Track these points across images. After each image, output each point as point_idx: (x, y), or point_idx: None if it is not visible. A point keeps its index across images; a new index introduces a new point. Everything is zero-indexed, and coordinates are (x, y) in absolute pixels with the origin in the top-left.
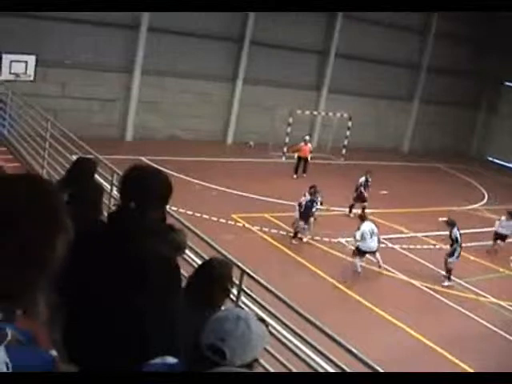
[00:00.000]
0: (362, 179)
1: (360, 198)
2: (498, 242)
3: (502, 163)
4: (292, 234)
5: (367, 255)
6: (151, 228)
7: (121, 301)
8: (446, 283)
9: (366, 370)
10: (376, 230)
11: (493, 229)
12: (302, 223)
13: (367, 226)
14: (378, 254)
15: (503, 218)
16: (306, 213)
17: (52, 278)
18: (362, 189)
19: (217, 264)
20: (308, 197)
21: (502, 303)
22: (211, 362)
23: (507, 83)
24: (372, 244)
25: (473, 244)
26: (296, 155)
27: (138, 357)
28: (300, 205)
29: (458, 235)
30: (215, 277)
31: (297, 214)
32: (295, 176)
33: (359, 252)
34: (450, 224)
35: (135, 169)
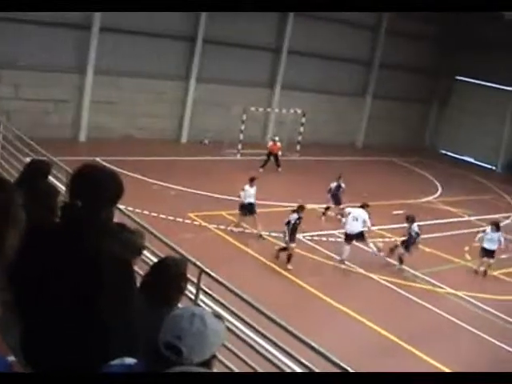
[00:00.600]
0: (334, 184)
1: (336, 203)
2: (485, 259)
3: (455, 155)
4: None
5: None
6: (99, 227)
7: (74, 301)
8: (398, 267)
9: (328, 365)
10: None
11: (449, 220)
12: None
13: (355, 212)
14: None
15: (488, 229)
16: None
17: (3, 276)
18: (338, 194)
19: (172, 262)
20: (295, 215)
21: (459, 293)
22: (169, 361)
23: (459, 77)
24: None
25: (428, 236)
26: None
27: (97, 358)
28: (288, 223)
29: (418, 230)
30: (171, 275)
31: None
32: (261, 170)
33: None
34: (410, 221)
35: (85, 167)
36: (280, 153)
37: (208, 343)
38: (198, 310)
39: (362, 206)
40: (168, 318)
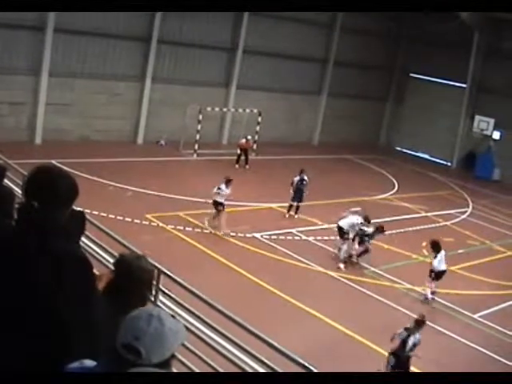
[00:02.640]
0: (297, 178)
1: (298, 198)
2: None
3: (410, 152)
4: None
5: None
6: (55, 228)
7: (34, 303)
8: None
9: (287, 362)
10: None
11: (406, 217)
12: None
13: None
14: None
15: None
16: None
17: None
18: (302, 188)
19: (138, 266)
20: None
21: (416, 289)
22: (128, 362)
23: (413, 75)
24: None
25: (386, 232)
26: (238, 149)
27: (56, 360)
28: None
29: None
30: (137, 280)
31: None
32: (237, 166)
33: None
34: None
35: (40, 169)
36: (250, 151)
37: (166, 343)
38: (156, 310)
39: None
40: (126, 319)
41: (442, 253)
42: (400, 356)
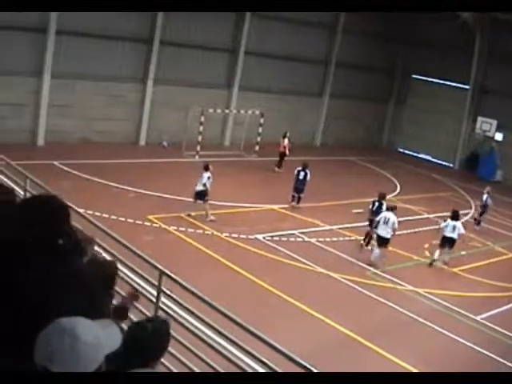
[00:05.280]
0: (299, 168)
1: (300, 189)
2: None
3: (413, 154)
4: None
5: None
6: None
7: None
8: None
9: (288, 363)
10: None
11: (408, 218)
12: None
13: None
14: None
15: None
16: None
17: None
18: (304, 181)
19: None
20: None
21: (418, 290)
22: None
23: (415, 76)
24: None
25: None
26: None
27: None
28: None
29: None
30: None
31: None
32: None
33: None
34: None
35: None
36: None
37: (83, 360)
38: (71, 323)
39: (391, 209)
40: (39, 335)
41: (450, 221)
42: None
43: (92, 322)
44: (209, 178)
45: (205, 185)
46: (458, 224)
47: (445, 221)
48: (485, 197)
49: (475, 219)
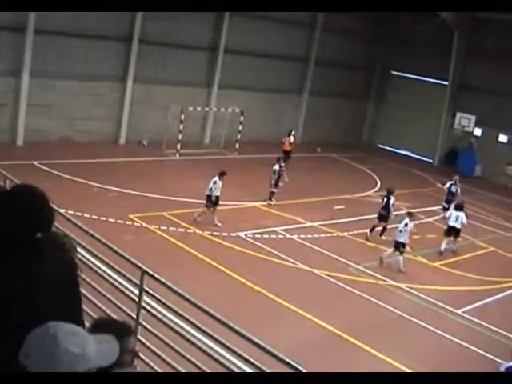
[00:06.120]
0: (276, 167)
1: (276, 185)
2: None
3: (393, 150)
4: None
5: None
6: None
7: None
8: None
9: (274, 362)
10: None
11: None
12: None
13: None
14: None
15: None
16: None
17: None
18: (281, 173)
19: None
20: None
21: (401, 286)
22: None
23: (394, 73)
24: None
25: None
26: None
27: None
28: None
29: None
30: None
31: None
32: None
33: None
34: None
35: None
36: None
37: (59, 366)
38: (55, 328)
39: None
40: (29, 334)
41: (454, 212)
42: None
43: (83, 333)
44: (215, 182)
45: (210, 189)
46: (461, 214)
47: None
48: (448, 184)
49: (443, 206)
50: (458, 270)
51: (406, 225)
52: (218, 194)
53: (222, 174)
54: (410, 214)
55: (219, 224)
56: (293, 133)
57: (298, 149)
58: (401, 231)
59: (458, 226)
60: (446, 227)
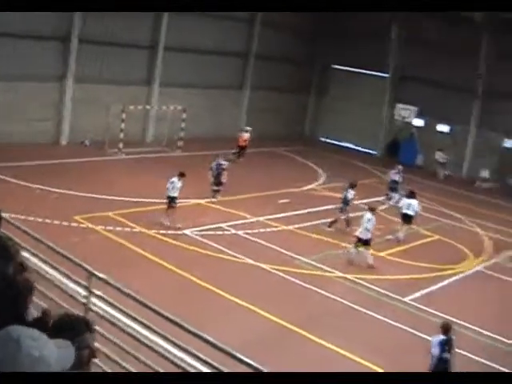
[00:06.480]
0: (213, 164)
1: (218, 183)
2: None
3: (335, 143)
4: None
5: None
6: None
7: None
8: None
9: (226, 358)
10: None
11: (333, 206)
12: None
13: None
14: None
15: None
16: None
17: None
18: (219, 171)
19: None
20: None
21: (348, 277)
22: None
23: (335, 66)
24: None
25: (315, 222)
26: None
27: None
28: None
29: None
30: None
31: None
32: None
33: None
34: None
35: None
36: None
37: (21, 368)
38: (18, 333)
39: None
40: None
41: (406, 200)
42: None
43: (44, 337)
44: (172, 182)
45: (168, 190)
46: (414, 202)
47: (401, 199)
48: (391, 173)
49: (387, 194)
50: (404, 259)
51: (368, 220)
52: (174, 194)
53: (181, 175)
54: (371, 209)
55: (168, 224)
56: (247, 129)
57: None
58: (364, 227)
59: (410, 213)
60: (400, 215)
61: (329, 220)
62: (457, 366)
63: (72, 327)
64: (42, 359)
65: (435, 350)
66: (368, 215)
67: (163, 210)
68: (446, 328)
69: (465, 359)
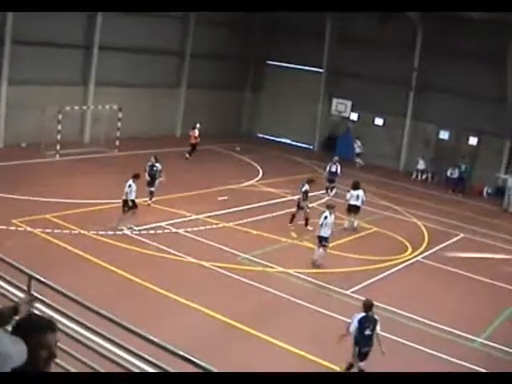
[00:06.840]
0: (148, 164)
1: (151, 184)
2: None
3: (273, 139)
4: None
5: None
6: None
7: None
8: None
9: (167, 356)
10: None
11: (272, 202)
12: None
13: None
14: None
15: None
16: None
17: None
18: (152, 173)
19: None
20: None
21: (289, 271)
22: None
23: (270, 62)
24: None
25: (254, 218)
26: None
27: None
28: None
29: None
30: None
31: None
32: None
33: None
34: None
35: None
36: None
37: None
38: None
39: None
40: None
41: (353, 191)
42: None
43: (3, 334)
44: (129, 186)
45: (126, 194)
46: (361, 193)
47: (349, 191)
48: (328, 165)
49: (327, 188)
50: (345, 252)
51: (325, 218)
52: (133, 197)
53: (135, 177)
54: (329, 207)
55: (135, 228)
56: (197, 126)
57: (178, 143)
58: (321, 225)
59: (358, 203)
60: (346, 206)
61: (268, 215)
62: (390, 350)
63: (35, 327)
64: (8, 356)
65: (352, 326)
66: (326, 213)
67: (107, 210)
68: (366, 305)
69: (398, 344)
